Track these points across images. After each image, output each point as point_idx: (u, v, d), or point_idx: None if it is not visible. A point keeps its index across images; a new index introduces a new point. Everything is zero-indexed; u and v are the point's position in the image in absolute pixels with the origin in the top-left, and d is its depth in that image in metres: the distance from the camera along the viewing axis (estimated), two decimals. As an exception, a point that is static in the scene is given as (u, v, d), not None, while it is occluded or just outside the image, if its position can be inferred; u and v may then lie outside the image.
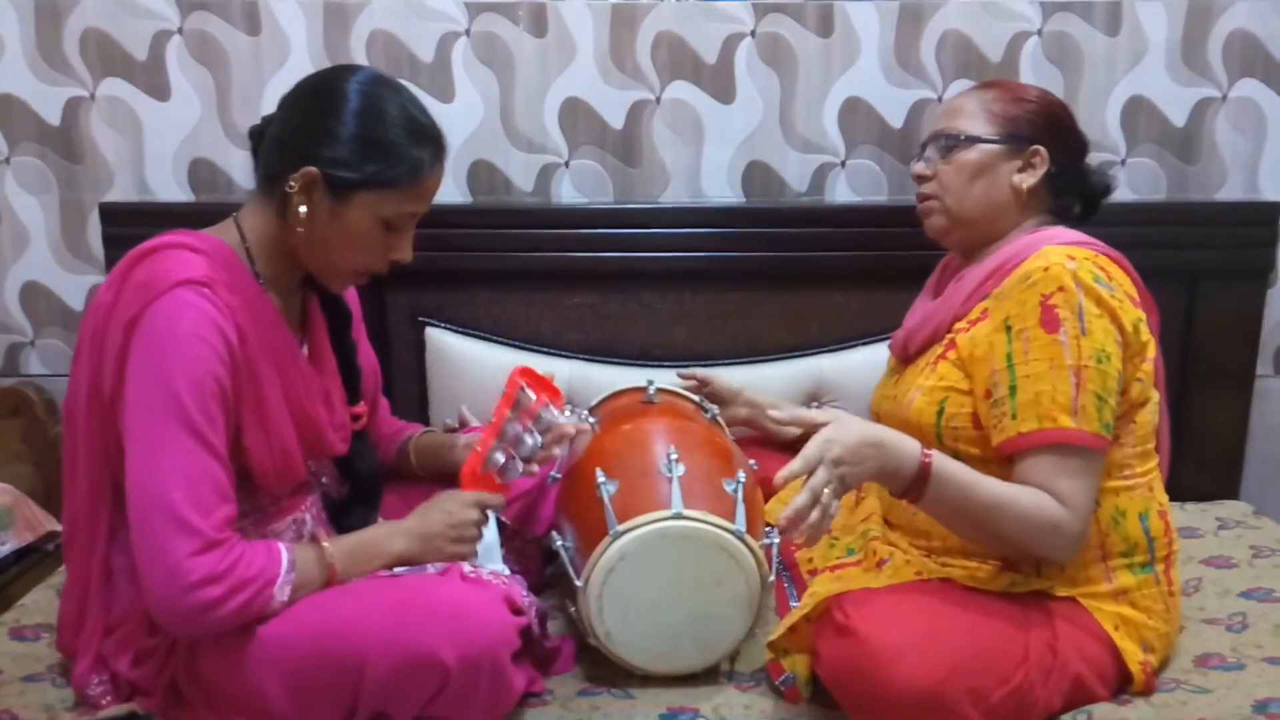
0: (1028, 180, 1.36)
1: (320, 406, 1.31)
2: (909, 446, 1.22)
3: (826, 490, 1.17)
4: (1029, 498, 1.23)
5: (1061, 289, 1.23)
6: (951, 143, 1.38)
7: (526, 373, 1.38)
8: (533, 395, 1.37)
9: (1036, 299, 1.24)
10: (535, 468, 1.40)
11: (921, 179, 1.42)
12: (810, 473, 1.17)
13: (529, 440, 1.36)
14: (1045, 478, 1.23)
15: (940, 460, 1.23)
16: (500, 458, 1.34)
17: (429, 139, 1.25)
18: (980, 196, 1.37)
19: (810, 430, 1.23)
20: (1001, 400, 1.25)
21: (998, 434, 1.26)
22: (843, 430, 1.20)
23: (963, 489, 1.23)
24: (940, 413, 1.32)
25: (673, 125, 1.93)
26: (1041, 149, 1.36)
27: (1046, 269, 1.25)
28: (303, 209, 1.21)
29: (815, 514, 1.16)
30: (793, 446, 1.57)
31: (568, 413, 1.69)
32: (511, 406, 1.34)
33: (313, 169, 1.20)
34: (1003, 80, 1.47)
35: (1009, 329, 1.26)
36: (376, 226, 1.24)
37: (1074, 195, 1.41)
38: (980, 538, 1.29)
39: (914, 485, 1.22)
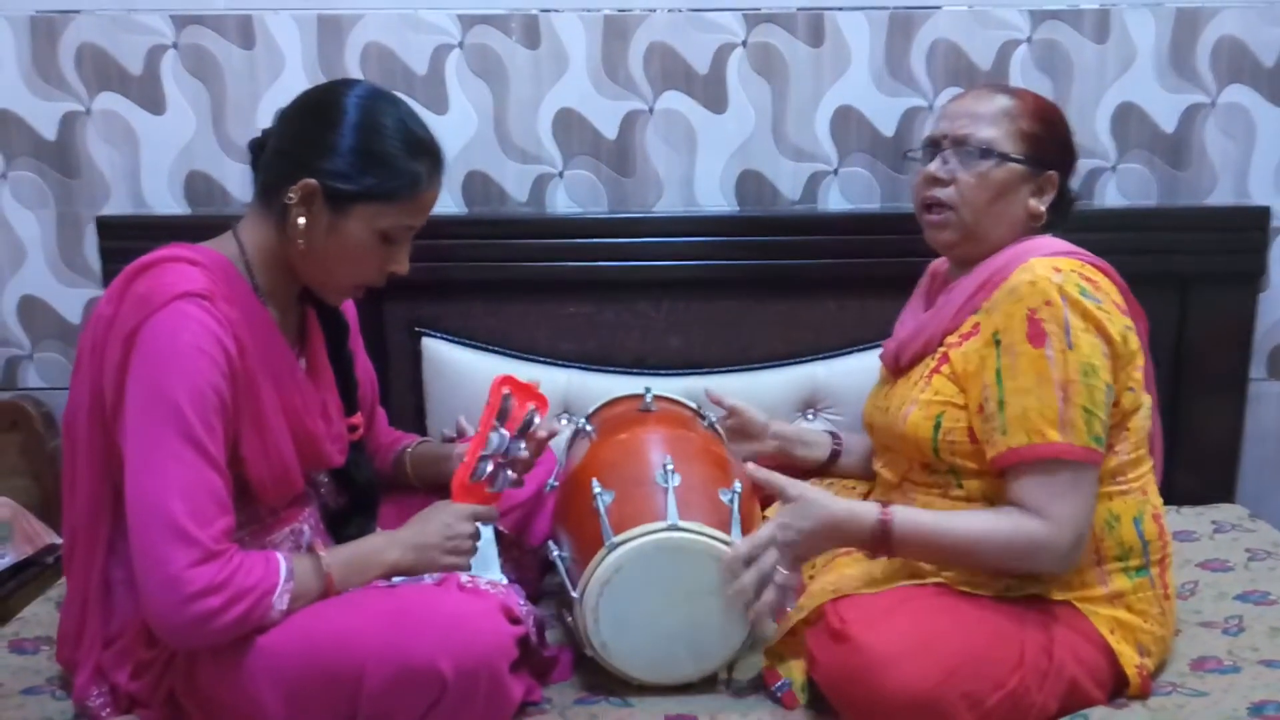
0: (1043, 205, 1.35)
1: (318, 419, 1.32)
2: (866, 517, 1.26)
3: (780, 569, 1.23)
4: (1005, 524, 1.24)
5: (1048, 303, 1.23)
6: (984, 155, 1.33)
7: (509, 381, 1.37)
8: (515, 403, 1.36)
9: (1023, 313, 1.24)
10: (521, 478, 1.40)
11: (936, 181, 1.36)
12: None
13: (515, 448, 1.36)
14: (1031, 494, 1.23)
15: (902, 516, 1.26)
16: (489, 467, 1.34)
17: (427, 152, 1.26)
18: (998, 215, 1.35)
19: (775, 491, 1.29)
20: (992, 415, 1.26)
21: (990, 449, 1.27)
22: (798, 518, 1.25)
23: (932, 536, 1.26)
24: (937, 427, 1.32)
25: (666, 135, 1.94)
26: (1055, 175, 1.36)
27: (1033, 283, 1.25)
28: (301, 221, 1.22)
29: (770, 593, 1.22)
30: (817, 472, 1.60)
31: (564, 421, 1.70)
32: (496, 416, 1.35)
33: (312, 181, 1.21)
34: (1019, 89, 1.42)
35: (998, 343, 1.26)
36: (374, 239, 1.25)
37: (1059, 212, 1.40)
38: (971, 570, 1.30)
39: (880, 547, 1.27)
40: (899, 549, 1.27)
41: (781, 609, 1.26)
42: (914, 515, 1.28)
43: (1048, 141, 1.36)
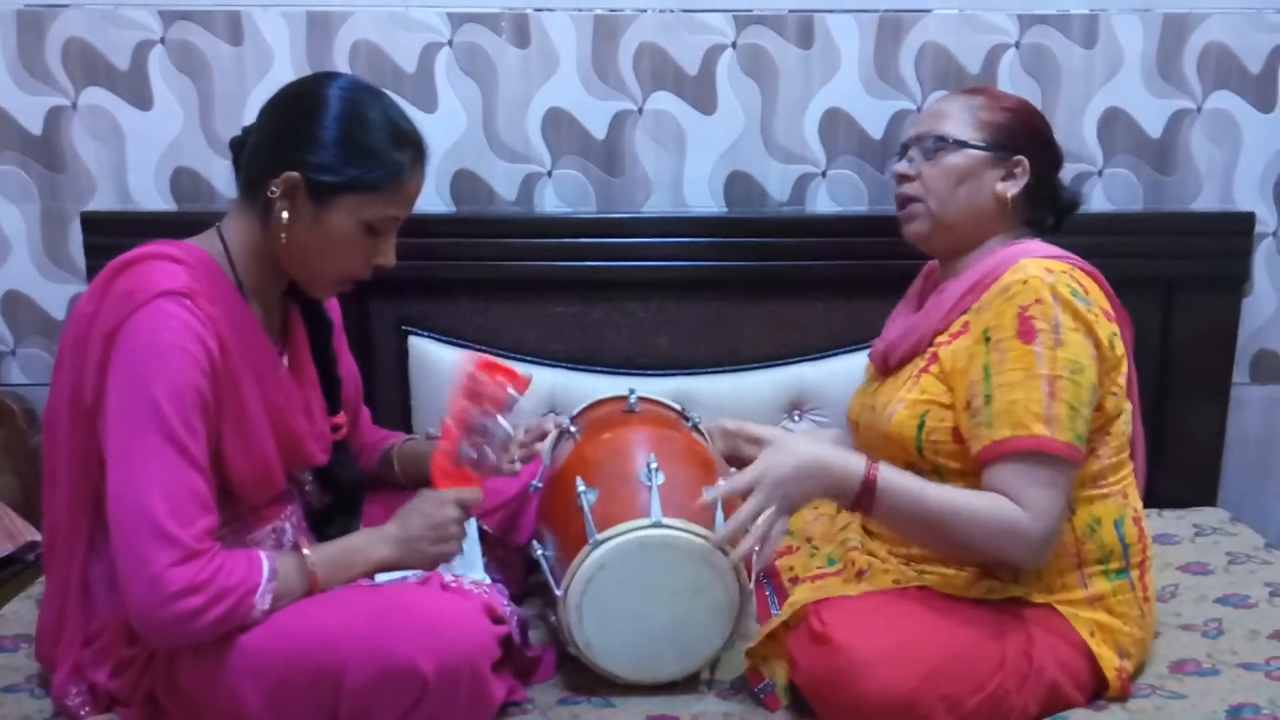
0: (1011, 189, 1.37)
1: (300, 417, 1.31)
2: (853, 463, 1.25)
3: (769, 510, 1.21)
4: (986, 502, 1.24)
5: (1039, 301, 1.25)
6: (939, 145, 1.38)
7: (481, 361, 1.36)
8: (488, 379, 1.34)
9: (1015, 311, 1.25)
10: (518, 465, 1.39)
11: (904, 179, 1.41)
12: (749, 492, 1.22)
13: (495, 427, 1.34)
14: (1011, 483, 1.24)
15: (887, 472, 1.25)
16: (471, 451, 1.33)
17: (409, 142, 1.26)
18: (964, 202, 1.37)
19: (747, 455, 1.27)
20: (978, 410, 1.27)
21: (975, 443, 1.27)
22: (782, 453, 1.24)
23: (913, 498, 1.25)
24: (921, 426, 1.32)
25: (655, 135, 1.94)
26: (1024, 160, 1.37)
27: (1025, 281, 1.26)
28: (285, 214, 1.22)
29: (758, 531, 1.20)
30: None
31: (550, 417, 1.69)
32: (470, 396, 1.33)
33: (294, 174, 1.21)
34: (987, 87, 1.48)
35: (987, 340, 1.27)
36: (359, 230, 1.24)
37: (1048, 208, 1.42)
38: (941, 545, 1.30)
39: (862, 499, 1.24)
40: (881, 501, 1.24)
41: (767, 557, 1.24)
42: (899, 472, 1.27)
43: (1012, 128, 1.38)
